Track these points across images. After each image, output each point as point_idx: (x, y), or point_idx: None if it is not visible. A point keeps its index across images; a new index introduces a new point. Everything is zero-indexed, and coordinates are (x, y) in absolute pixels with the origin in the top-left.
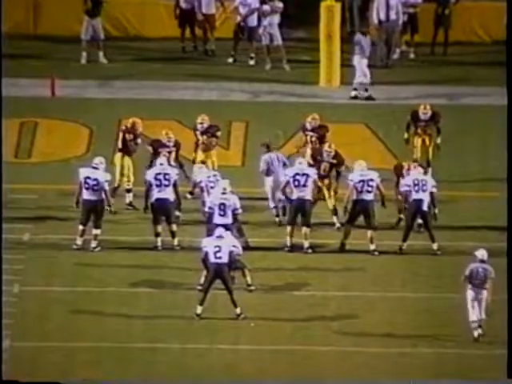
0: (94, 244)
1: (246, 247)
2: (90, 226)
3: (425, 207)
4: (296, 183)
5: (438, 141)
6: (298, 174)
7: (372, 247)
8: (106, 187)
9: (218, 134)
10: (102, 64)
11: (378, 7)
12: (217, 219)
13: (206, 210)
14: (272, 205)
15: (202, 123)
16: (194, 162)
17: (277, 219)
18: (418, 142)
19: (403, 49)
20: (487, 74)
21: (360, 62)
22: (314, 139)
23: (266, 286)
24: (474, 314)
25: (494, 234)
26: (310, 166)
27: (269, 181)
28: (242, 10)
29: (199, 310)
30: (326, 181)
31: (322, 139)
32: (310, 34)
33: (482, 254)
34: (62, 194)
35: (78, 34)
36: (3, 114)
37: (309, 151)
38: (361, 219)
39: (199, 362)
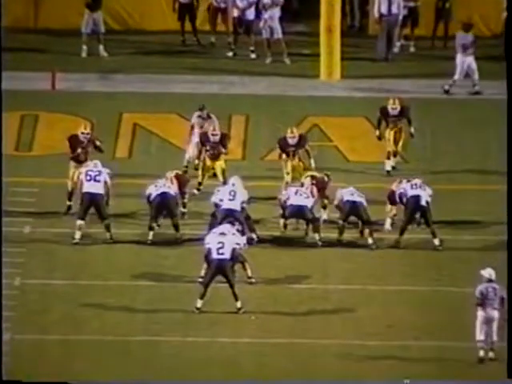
0: (108, 235)
1: (254, 241)
2: (87, 222)
3: (423, 202)
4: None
5: (412, 130)
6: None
7: (370, 241)
8: (108, 179)
9: (229, 141)
10: (103, 57)
11: (380, 0)
12: (226, 204)
13: (217, 201)
14: (187, 156)
15: (215, 135)
16: (201, 169)
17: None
18: (390, 135)
19: (403, 42)
20: (487, 67)
21: (464, 60)
22: (297, 152)
23: (266, 279)
24: (482, 334)
25: (494, 228)
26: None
27: (195, 138)
28: (240, 4)
29: (199, 303)
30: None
31: (306, 150)
32: (310, 28)
33: (489, 273)
34: (63, 188)
35: (78, 28)
36: (4, 107)
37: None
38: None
39: (200, 356)
